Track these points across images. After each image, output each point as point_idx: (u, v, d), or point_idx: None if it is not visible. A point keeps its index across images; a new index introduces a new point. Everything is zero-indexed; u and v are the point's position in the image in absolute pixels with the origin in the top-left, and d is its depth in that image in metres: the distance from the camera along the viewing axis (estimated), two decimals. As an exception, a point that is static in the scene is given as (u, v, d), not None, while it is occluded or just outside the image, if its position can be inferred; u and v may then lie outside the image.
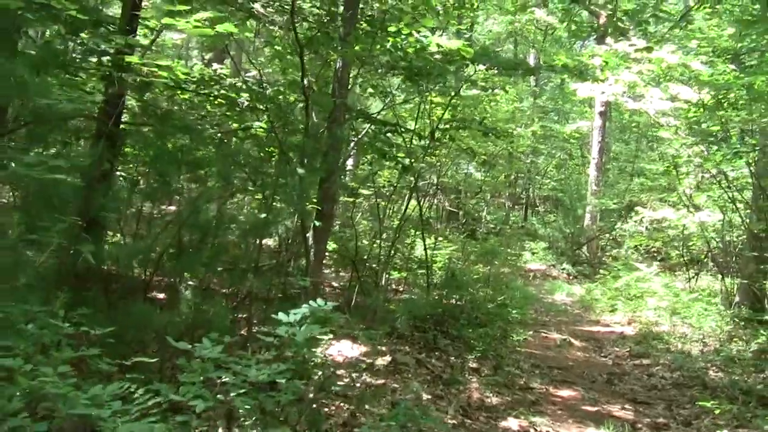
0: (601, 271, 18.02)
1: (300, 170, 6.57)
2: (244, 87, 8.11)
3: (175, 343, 3.62)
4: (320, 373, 6.36)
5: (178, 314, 5.07)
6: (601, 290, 15.89)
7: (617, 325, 13.05)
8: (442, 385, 7.35)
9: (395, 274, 12.26)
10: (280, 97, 7.76)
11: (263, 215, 6.32)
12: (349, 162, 17.16)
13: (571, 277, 19.36)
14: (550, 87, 30.23)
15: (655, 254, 19.62)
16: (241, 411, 3.78)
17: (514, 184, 26.80)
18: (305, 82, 7.20)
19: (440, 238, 14.14)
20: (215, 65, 13.39)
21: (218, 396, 3.64)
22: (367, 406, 6.18)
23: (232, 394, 3.69)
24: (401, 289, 12.11)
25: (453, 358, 8.39)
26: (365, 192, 13.41)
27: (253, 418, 4.97)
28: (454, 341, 8.99)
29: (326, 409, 6.04)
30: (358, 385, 6.77)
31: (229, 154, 6.89)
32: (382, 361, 7.51)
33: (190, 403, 3.44)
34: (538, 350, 10.36)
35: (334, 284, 11.99)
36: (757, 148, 11.21)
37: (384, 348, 8.00)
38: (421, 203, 12.57)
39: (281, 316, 4.02)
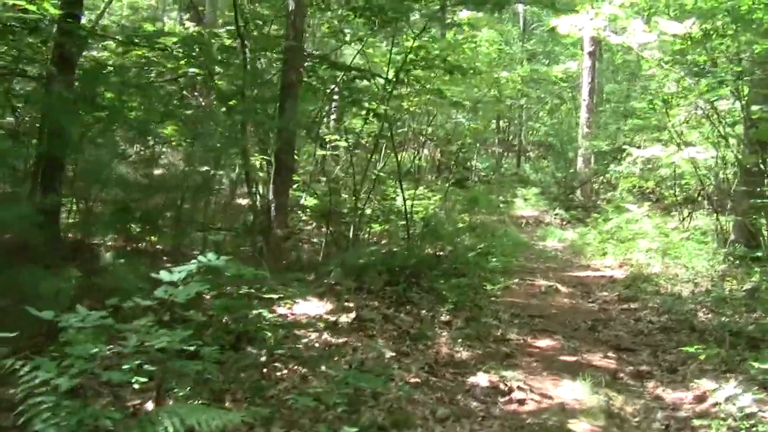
0: (594, 214, 17.53)
1: (237, 116, 6.05)
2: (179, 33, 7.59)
3: (38, 313, 3.16)
4: (269, 334, 5.96)
5: (67, 279, 4.60)
6: (594, 234, 15.40)
7: (608, 269, 12.61)
8: (409, 340, 6.90)
9: (376, 226, 11.81)
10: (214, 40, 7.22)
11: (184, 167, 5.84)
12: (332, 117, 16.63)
13: (564, 222, 18.84)
14: (540, 31, 29.42)
15: (650, 195, 19.08)
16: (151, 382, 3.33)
17: (505, 131, 26.18)
18: (239, 20, 6.65)
19: (422, 188, 13.64)
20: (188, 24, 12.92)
21: (96, 370, 3.19)
22: (323, 368, 5.76)
23: (124, 366, 3.25)
24: (384, 242, 11.65)
25: (424, 311, 7.92)
26: (342, 144, 12.95)
27: (187, 388, 4.59)
28: (427, 293, 8.50)
29: (278, 373, 5.64)
30: (317, 345, 6.36)
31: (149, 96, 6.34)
32: (345, 319, 7.08)
33: (52, 381, 2.99)
34: (521, 299, 9.91)
35: (314, 240, 11.56)
36: (745, 76, 10.61)
37: (351, 304, 7.58)
38: (400, 153, 12.09)
39: (163, 274, 3.55)
